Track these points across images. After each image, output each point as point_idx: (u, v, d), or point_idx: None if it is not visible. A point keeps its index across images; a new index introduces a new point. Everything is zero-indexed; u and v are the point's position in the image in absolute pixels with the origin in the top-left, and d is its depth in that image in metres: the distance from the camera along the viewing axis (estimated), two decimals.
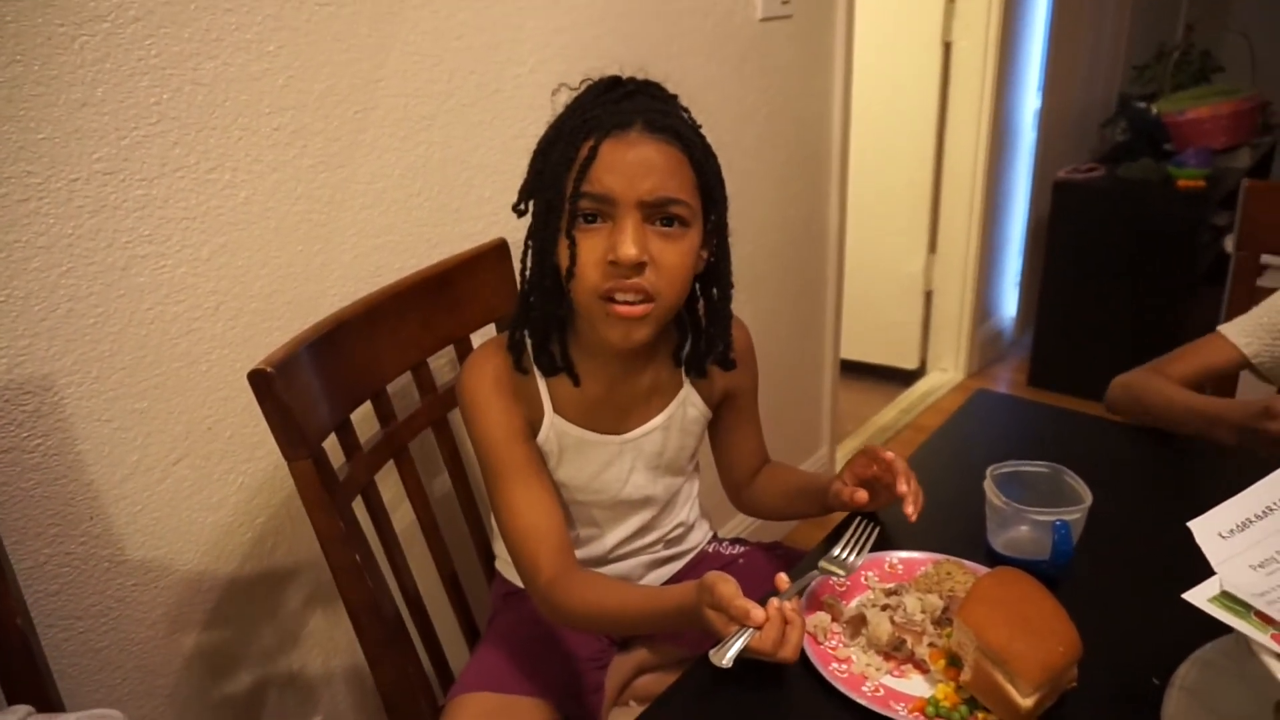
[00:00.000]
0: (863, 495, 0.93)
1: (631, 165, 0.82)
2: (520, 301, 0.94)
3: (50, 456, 0.96)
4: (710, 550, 1.17)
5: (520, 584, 1.03)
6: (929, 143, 2.84)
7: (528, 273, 0.92)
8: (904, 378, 3.10)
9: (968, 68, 2.75)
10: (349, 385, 0.99)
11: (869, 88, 2.65)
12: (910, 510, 0.89)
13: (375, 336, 1.02)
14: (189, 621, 1.12)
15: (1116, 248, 2.77)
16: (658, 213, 0.84)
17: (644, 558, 1.10)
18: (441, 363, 1.23)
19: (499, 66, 1.30)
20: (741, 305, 1.01)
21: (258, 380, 0.85)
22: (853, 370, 3.01)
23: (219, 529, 1.12)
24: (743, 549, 1.18)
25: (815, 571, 0.90)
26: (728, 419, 1.09)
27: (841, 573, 0.89)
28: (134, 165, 0.96)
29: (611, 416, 0.99)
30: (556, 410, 0.97)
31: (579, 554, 1.05)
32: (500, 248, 1.21)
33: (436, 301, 1.10)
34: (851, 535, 0.95)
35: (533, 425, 0.96)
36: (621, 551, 1.08)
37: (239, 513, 1.13)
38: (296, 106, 1.08)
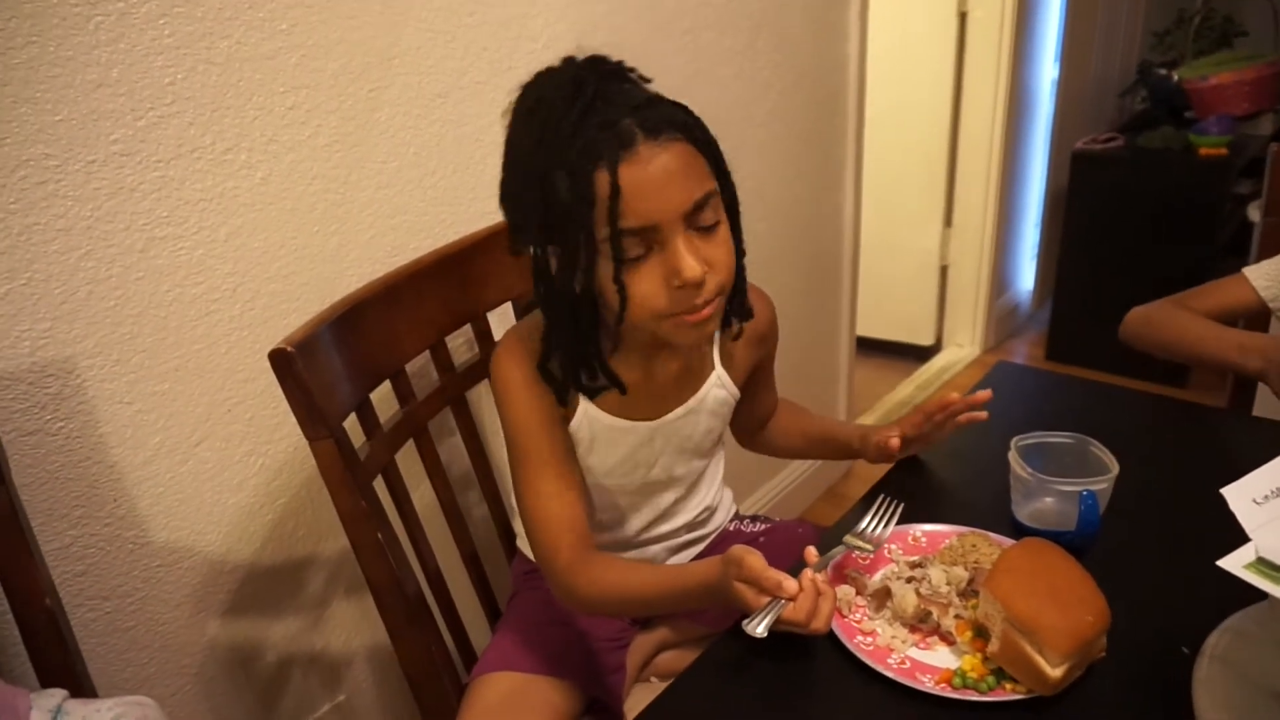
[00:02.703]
0: (896, 441, 0.99)
1: (657, 183, 0.77)
2: (545, 335, 0.89)
3: (74, 439, 0.97)
4: (732, 529, 1.17)
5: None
6: (944, 115, 2.81)
7: (551, 310, 0.87)
8: (920, 354, 3.08)
9: (984, 38, 2.70)
10: (368, 365, 0.99)
11: (884, 60, 2.62)
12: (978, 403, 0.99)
13: (393, 316, 1.02)
14: (213, 602, 1.13)
15: (1136, 218, 2.73)
16: (696, 217, 0.81)
17: (669, 542, 1.09)
18: (459, 342, 1.22)
19: (511, 43, 1.29)
20: (756, 282, 1.00)
21: (279, 360, 0.85)
22: (868, 347, 3.00)
23: (241, 510, 1.13)
24: (765, 525, 1.18)
25: (841, 546, 0.89)
26: (748, 387, 1.09)
27: (869, 547, 0.89)
28: (150, 147, 0.96)
29: (645, 403, 0.97)
30: (591, 399, 0.95)
31: (604, 538, 1.06)
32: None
33: (453, 281, 1.10)
34: (877, 510, 0.95)
35: (565, 411, 0.94)
36: (647, 536, 1.08)
37: (260, 494, 1.14)
38: (310, 85, 1.07)
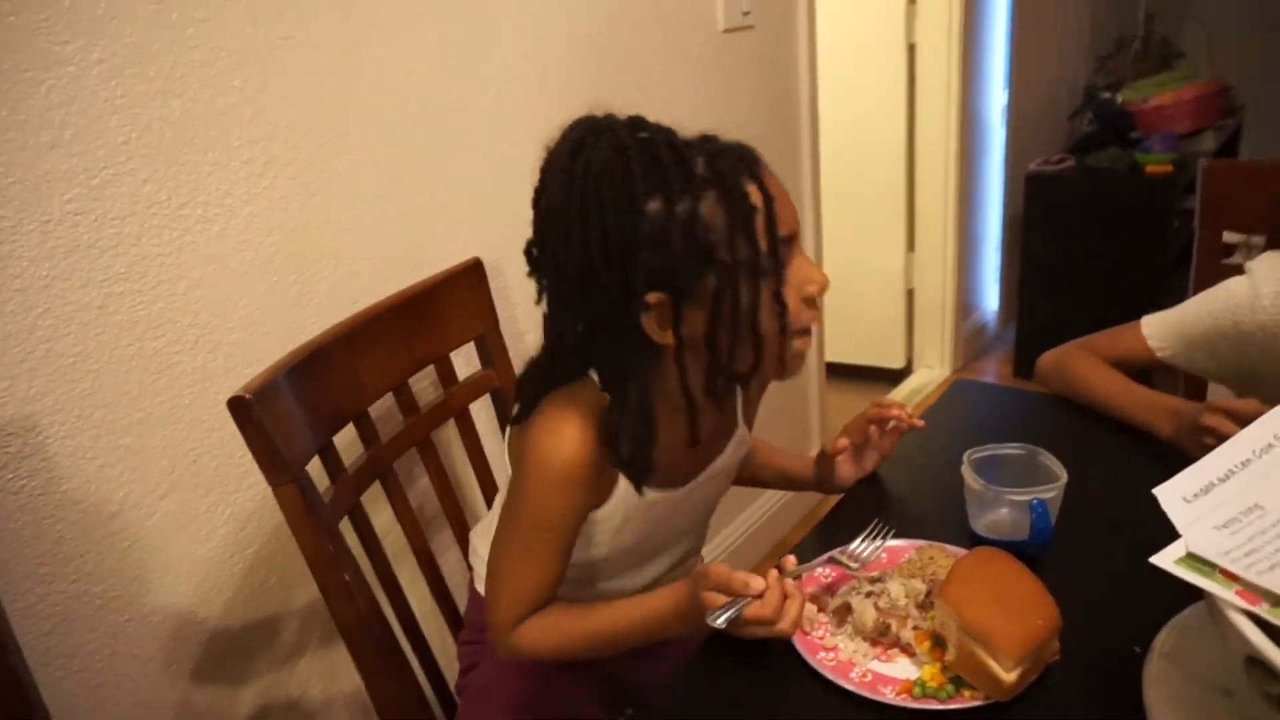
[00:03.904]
0: (843, 442, 1.03)
1: (786, 197, 0.79)
2: (617, 413, 0.80)
3: (37, 497, 0.97)
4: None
5: None
6: (900, 143, 2.88)
7: (632, 379, 0.80)
8: (891, 377, 3.12)
9: (933, 68, 2.79)
10: (330, 408, 1.00)
11: (837, 92, 2.69)
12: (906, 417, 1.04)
13: (355, 360, 1.03)
14: (185, 655, 1.12)
15: (1091, 237, 2.80)
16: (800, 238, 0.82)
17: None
18: (424, 385, 1.24)
19: (466, 89, 1.32)
20: None
21: (237, 407, 0.86)
22: (839, 372, 3.02)
23: (210, 561, 1.12)
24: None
25: (823, 558, 0.90)
26: None
27: (854, 566, 0.90)
28: (105, 204, 0.97)
29: (677, 474, 0.92)
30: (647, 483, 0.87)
31: (608, 585, 1.02)
32: (476, 267, 1.22)
33: (415, 323, 1.11)
34: (870, 533, 0.94)
35: (596, 502, 0.88)
36: (656, 584, 1.04)
37: (229, 544, 1.14)
38: (266, 138, 1.09)
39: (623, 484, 0.87)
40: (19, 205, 0.91)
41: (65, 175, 0.94)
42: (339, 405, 1.01)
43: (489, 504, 1.22)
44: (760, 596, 0.76)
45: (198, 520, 1.11)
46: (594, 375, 0.84)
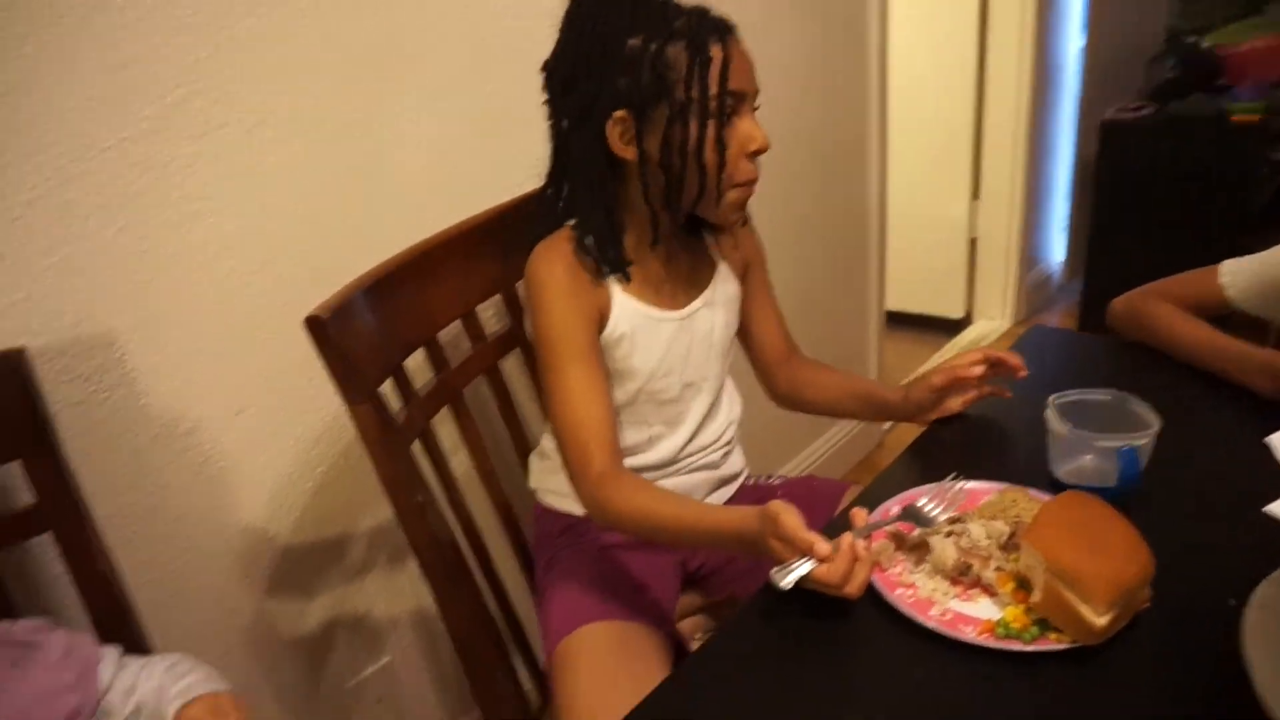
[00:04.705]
0: (938, 379, 1.04)
1: (747, 62, 0.92)
2: (585, 208, 0.97)
3: (118, 410, 0.99)
4: (750, 484, 1.19)
5: (576, 513, 1.06)
6: (969, 86, 2.77)
7: (585, 179, 0.96)
8: (949, 327, 3.05)
9: (1006, 6, 2.66)
10: (402, 333, 1.00)
11: (907, 30, 2.59)
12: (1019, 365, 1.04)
13: (426, 285, 1.02)
14: (259, 567, 1.15)
15: (1168, 188, 2.68)
16: (754, 102, 0.94)
17: (703, 474, 1.10)
18: (489, 313, 1.23)
19: (542, 16, 1.28)
20: (782, 256, 1.01)
21: (315, 326, 0.86)
22: (896, 321, 2.97)
23: (281, 479, 1.14)
24: (780, 481, 1.21)
25: (898, 515, 0.89)
26: (749, 296, 1.15)
27: (927, 523, 0.87)
28: (180, 123, 0.97)
29: (669, 295, 1.03)
30: (625, 291, 1.00)
31: (646, 458, 1.06)
32: (530, 202, 1.20)
33: (483, 250, 1.10)
34: (941, 488, 0.92)
35: (600, 315, 0.98)
36: (686, 453, 1.08)
37: (299, 463, 1.16)
38: (338, 61, 1.08)
39: (619, 296, 0.99)
40: (99, 121, 0.91)
41: (141, 92, 0.93)
42: (410, 329, 1.01)
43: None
44: (826, 560, 0.74)
45: (269, 439, 1.12)
46: (569, 225, 0.99)
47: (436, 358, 1.06)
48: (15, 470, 0.84)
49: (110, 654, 0.78)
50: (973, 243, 2.97)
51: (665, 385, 1.04)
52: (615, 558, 1.07)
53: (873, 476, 1.00)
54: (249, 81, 1.01)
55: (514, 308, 1.16)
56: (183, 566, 1.07)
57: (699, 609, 1.17)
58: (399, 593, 1.31)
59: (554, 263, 0.97)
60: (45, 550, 0.93)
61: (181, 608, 1.08)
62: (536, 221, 1.02)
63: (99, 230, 0.94)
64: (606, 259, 0.97)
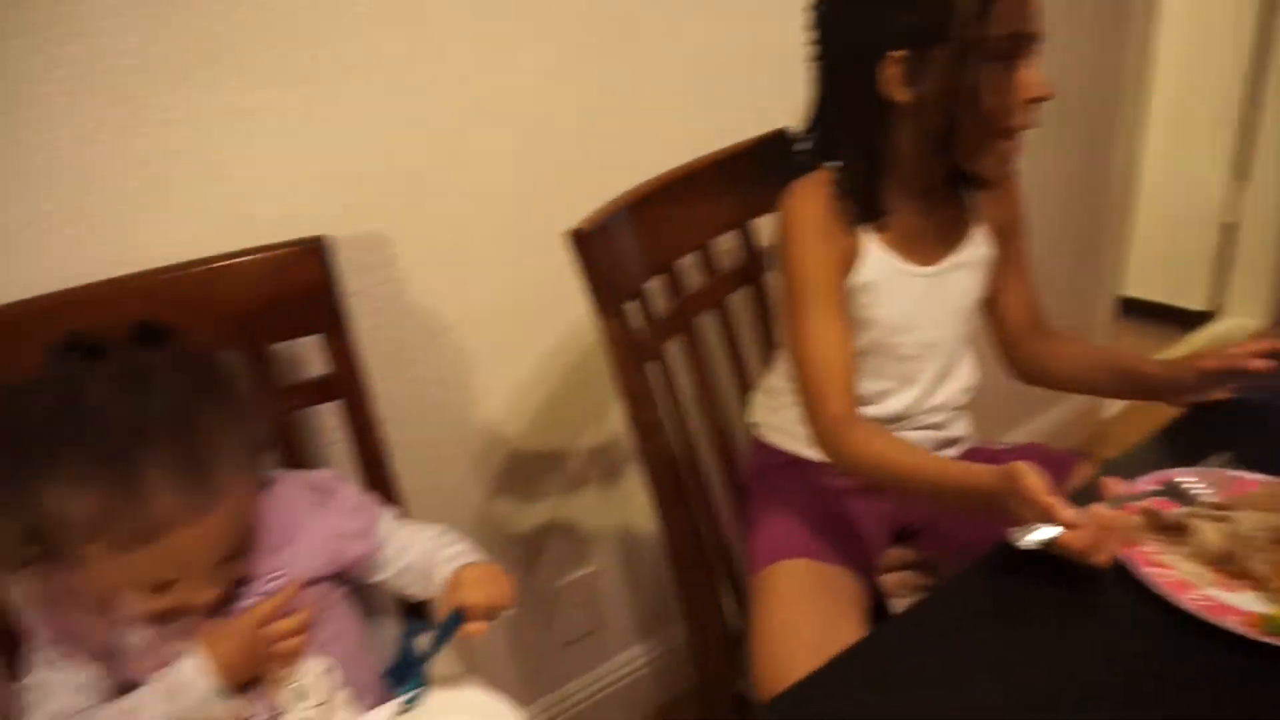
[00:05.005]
0: (1210, 363, 0.94)
1: (1034, 3, 0.88)
2: (848, 151, 0.97)
3: (388, 302, 1.09)
4: (976, 447, 1.15)
5: (798, 452, 1.06)
6: (1244, 48, 2.44)
7: (858, 120, 0.94)
8: (1185, 319, 2.78)
9: None
10: (649, 255, 1.03)
11: None
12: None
13: (679, 209, 1.05)
14: (491, 462, 1.24)
15: None
16: (1037, 46, 0.90)
17: (928, 433, 1.08)
18: (724, 248, 1.24)
19: None
20: None
21: (579, 238, 0.90)
22: (1128, 308, 2.74)
23: (518, 386, 1.22)
24: (1008, 446, 1.17)
25: (1159, 488, 0.83)
26: (1004, 260, 1.10)
27: (1191, 501, 0.82)
28: (443, 35, 1.04)
29: (920, 250, 1.01)
30: (878, 240, 0.99)
31: (875, 410, 1.05)
32: (778, 139, 1.19)
33: (733, 183, 1.12)
34: (1207, 471, 0.86)
35: (848, 261, 0.98)
36: (913, 410, 1.07)
37: (536, 372, 1.23)
38: None
39: (871, 245, 0.98)
40: (404, 39, 0.99)
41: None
42: (658, 252, 1.04)
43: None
44: (1068, 526, 0.71)
45: (512, 346, 1.20)
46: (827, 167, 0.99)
47: (675, 284, 1.08)
48: (309, 344, 0.94)
49: (388, 514, 0.87)
50: (1225, 228, 2.67)
51: (903, 341, 1.03)
52: (831, 500, 1.07)
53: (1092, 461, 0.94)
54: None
55: (750, 244, 1.17)
56: (433, 449, 1.17)
57: (905, 565, 1.15)
58: (608, 508, 1.38)
59: (810, 203, 0.97)
60: (323, 420, 1.04)
61: (418, 492, 1.18)
62: (792, 160, 1.02)
63: (375, 139, 1.02)
64: (863, 205, 0.96)
